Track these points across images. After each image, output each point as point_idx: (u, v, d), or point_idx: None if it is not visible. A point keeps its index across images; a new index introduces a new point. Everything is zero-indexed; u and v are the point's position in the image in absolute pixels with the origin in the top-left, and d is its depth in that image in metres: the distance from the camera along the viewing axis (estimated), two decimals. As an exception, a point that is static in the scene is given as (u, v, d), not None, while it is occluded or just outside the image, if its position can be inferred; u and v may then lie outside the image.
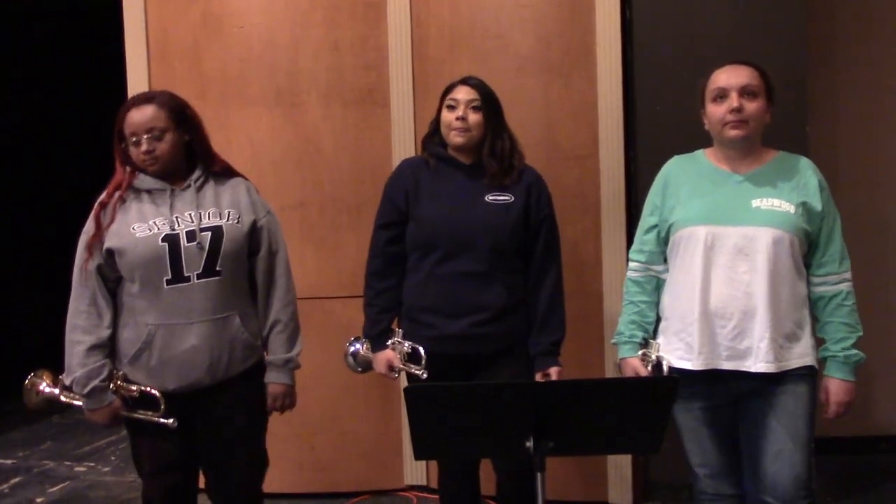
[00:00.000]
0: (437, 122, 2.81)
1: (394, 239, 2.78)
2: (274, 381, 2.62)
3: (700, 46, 3.46)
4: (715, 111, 2.42)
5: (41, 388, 2.56)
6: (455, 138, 2.71)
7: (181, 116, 2.52)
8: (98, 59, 5.21)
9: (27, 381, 2.59)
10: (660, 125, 3.53)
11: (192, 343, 2.44)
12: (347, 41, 3.71)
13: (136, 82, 3.73)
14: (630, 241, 3.46)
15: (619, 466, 3.62)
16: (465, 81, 2.76)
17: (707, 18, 3.52)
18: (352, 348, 2.90)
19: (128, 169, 2.50)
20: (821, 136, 3.82)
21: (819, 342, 2.47)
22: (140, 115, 2.44)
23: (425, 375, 2.66)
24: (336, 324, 3.68)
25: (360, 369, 2.92)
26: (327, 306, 3.72)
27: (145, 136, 2.44)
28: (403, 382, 3.02)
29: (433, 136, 2.83)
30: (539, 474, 1.99)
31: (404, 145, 3.67)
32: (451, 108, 2.73)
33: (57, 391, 2.55)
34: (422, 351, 2.69)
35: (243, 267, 2.58)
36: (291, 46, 3.72)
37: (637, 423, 2.01)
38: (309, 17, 3.70)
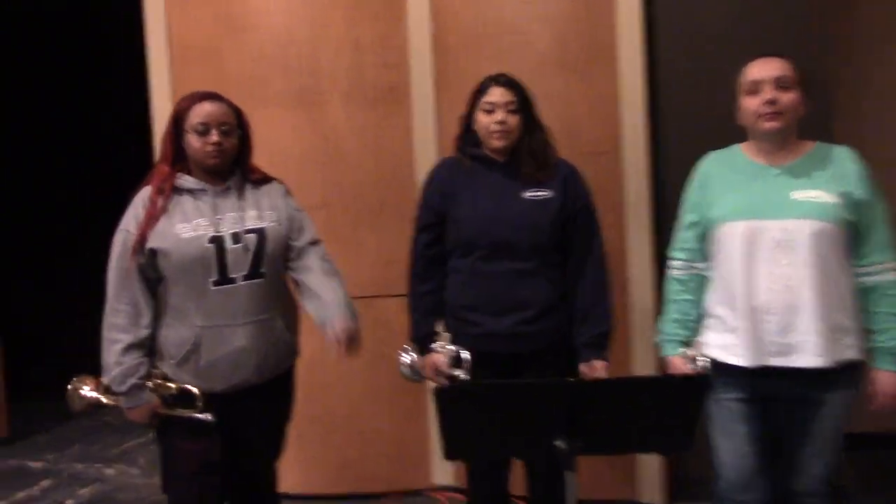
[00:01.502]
0: (467, 121, 2.80)
1: (433, 241, 2.81)
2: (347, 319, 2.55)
3: (725, 41, 3.41)
4: (749, 104, 2.40)
5: (84, 392, 2.56)
6: (495, 142, 2.71)
7: (242, 122, 2.59)
8: (116, 60, 5.23)
9: (70, 387, 2.59)
10: (686, 120, 3.49)
11: (239, 344, 2.47)
12: (368, 39, 3.69)
13: (159, 84, 3.73)
14: (657, 239, 3.47)
15: (650, 465, 3.60)
16: (498, 81, 2.73)
17: (732, 13, 3.48)
18: (407, 359, 2.83)
19: (171, 168, 2.51)
20: (845, 135, 3.77)
21: (867, 334, 2.43)
22: (215, 108, 2.48)
23: (466, 378, 2.65)
24: (361, 323, 3.69)
25: (418, 378, 2.86)
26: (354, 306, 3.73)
27: (217, 128, 2.46)
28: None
29: (464, 136, 2.82)
30: (569, 473, 1.99)
31: (426, 143, 3.66)
32: (489, 111, 2.70)
33: (98, 394, 2.55)
34: (466, 354, 2.69)
35: (282, 269, 2.62)
36: (311, 45, 3.70)
37: (668, 421, 2.00)
38: (329, 15, 3.69)
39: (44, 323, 5.96)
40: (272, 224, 2.54)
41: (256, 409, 2.59)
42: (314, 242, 2.68)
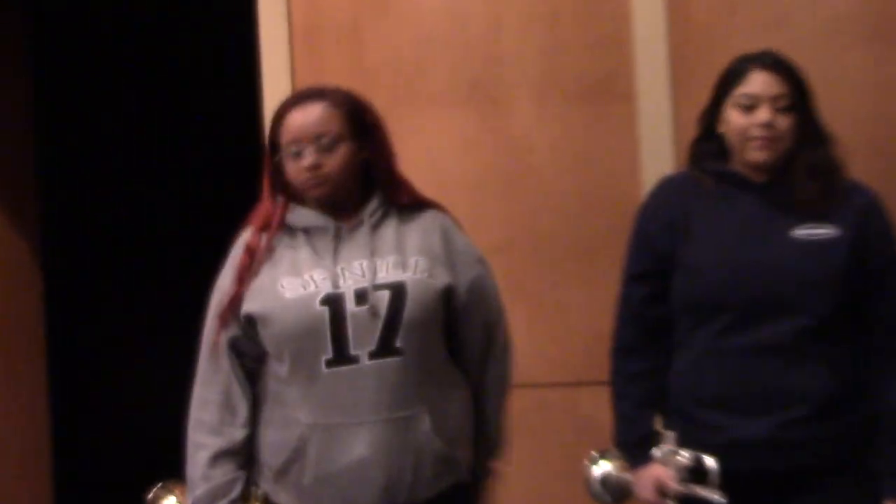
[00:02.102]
0: (709, 120, 2.56)
1: (653, 297, 2.58)
2: None
3: None
4: None
5: None
6: (756, 153, 2.46)
7: (362, 123, 2.35)
8: (226, 42, 5.12)
9: (150, 496, 2.58)
10: None
11: (360, 452, 2.27)
12: (570, 9, 3.44)
13: (274, 75, 3.59)
14: None
15: None
16: (763, 63, 2.47)
17: None
18: (598, 470, 2.65)
19: (279, 199, 2.35)
20: None
21: None
22: (305, 117, 2.30)
23: (724, 501, 2.37)
24: (560, 422, 3.44)
25: (612, 499, 2.63)
26: (547, 397, 3.44)
27: (311, 146, 2.28)
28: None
29: (706, 142, 2.59)
30: None
31: (658, 156, 3.35)
32: (747, 108, 2.45)
33: None
34: (712, 462, 2.41)
35: (436, 342, 2.37)
36: (489, 20, 3.48)
37: None
38: (513, -22, 3.27)
39: (122, 402, 5.98)
40: (419, 276, 2.33)
41: None
42: (491, 323, 2.50)
